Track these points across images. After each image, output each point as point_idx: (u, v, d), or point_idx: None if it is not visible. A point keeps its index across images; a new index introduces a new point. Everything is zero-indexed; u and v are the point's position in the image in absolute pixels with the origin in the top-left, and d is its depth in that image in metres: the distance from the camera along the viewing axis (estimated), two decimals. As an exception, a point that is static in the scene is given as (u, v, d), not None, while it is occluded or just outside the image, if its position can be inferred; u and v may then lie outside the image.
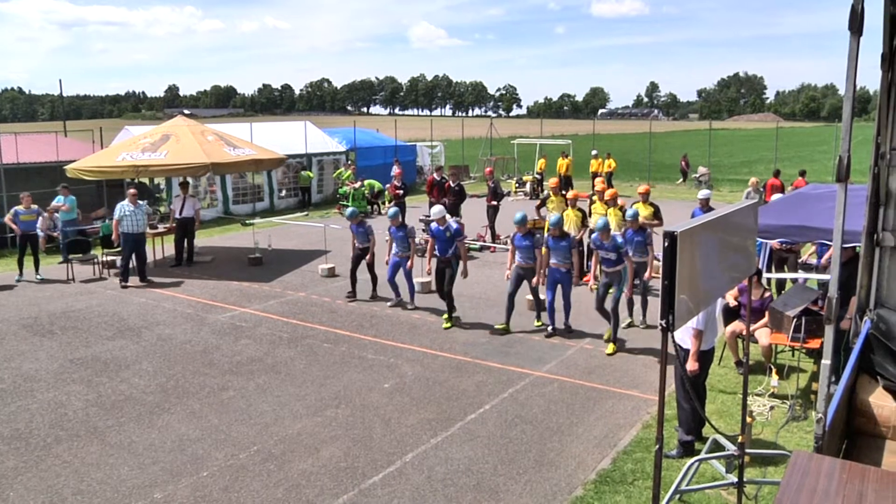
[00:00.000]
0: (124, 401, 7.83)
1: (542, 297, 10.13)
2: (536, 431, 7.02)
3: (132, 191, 13.55)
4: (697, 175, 29.38)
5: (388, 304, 11.52)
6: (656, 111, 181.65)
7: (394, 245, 11.21)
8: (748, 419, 6.33)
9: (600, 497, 5.80)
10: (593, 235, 9.45)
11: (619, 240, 9.34)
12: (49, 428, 7.14)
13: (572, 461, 6.42)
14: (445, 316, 10.50)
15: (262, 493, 5.90)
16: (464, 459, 6.45)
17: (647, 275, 10.14)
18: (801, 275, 10.05)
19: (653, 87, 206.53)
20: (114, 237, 13.35)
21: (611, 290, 9.41)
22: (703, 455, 5.78)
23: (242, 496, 5.84)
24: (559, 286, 9.71)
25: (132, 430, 7.08)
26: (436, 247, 10.50)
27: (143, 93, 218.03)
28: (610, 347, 9.21)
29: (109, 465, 6.38)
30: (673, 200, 23.81)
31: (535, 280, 9.77)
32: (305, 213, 22.25)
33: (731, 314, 8.60)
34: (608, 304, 9.25)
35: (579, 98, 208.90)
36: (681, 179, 30.71)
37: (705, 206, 11.67)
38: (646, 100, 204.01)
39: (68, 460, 6.46)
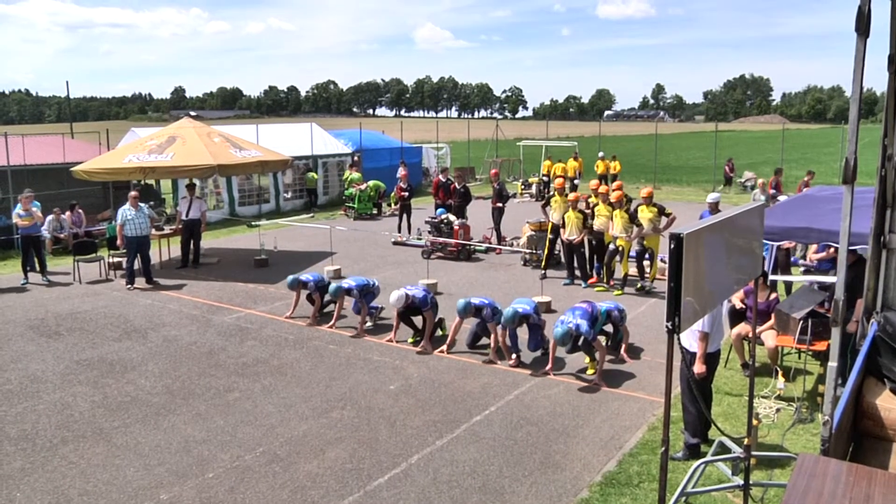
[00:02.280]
0: (130, 402, 7.85)
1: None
2: (542, 433, 7.02)
3: (133, 194, 13.61)
4: (743, 180, 28.80)
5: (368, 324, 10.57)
6: (662, 113, 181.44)
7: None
8: (754, 421, 6.32)
9: (606, 499, 5.79)
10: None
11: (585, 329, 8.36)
12: (55, 429, 7.16)
13: (578, 463, 6.41)
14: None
15: (268, 494, 5.90)
16: (469, 461, 6.45)
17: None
18: (806, 277, 10.05)
19: (658, 89, 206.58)
20: (119, 242, 13.41)
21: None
22: (709, 457, 5.76)
23: (248, 497, 5.85)
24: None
25: (138, 432, 7.10)
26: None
27: (150, 94, 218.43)
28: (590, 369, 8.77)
29: (115, 466, 6.39)
30: (679, 202, 23.78)
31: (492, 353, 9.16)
32: (311, 214, 22.31)
33: (737, 316, 8.60)
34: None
35: (585, 100, 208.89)
36: (723, 185, 29.31)
37: (714, 209, 11.68)
38: (652, 101, 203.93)
39: (74, 461, 6.48)
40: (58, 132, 22.86)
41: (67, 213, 16.70)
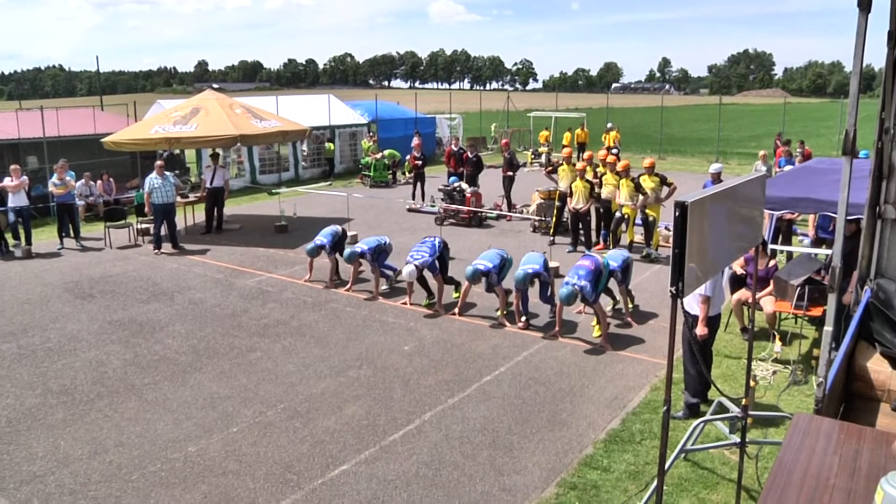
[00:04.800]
0: (159, 360, 8.23)
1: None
2: (549, 393, 7.28)
3: (159, 163, 13.99)
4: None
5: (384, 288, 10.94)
6: (668, 86, 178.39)
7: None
8: (752, 383, 6.52)
9: (609, 455, 6.04)
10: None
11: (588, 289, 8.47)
12: (91, 384, 7.57)
13: (583, 421, 6.67)
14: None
15: (289, 448, 6.22)
16: (479, 419, 6.72)
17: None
18: (804, 248, 10.17)
19: (665, 63, 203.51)
20: (146, 210, 13.84)
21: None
22: (708, 416, 6.00)
23: (270, 450, 6.17)
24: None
25: (167, 388, 7.46)
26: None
27: (174, 68, 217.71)
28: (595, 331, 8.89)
29: (147, 420, 6.76)
30: (683, 172, 23.81)
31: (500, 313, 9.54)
32: (329, 182, 22.58)
33: (737, 283, 8.78)
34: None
35: (593, 72, 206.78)
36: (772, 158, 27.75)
37: (717, 179, 11.85)
38: (658, 75, 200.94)
39: (109, 415, 6.87)
40: (89, 105, 23.32)
41: (98, 181, 17.20)
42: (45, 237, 14.92)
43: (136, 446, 6.26)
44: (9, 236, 13.58)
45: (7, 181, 13.20)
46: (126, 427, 6.61)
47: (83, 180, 16.39)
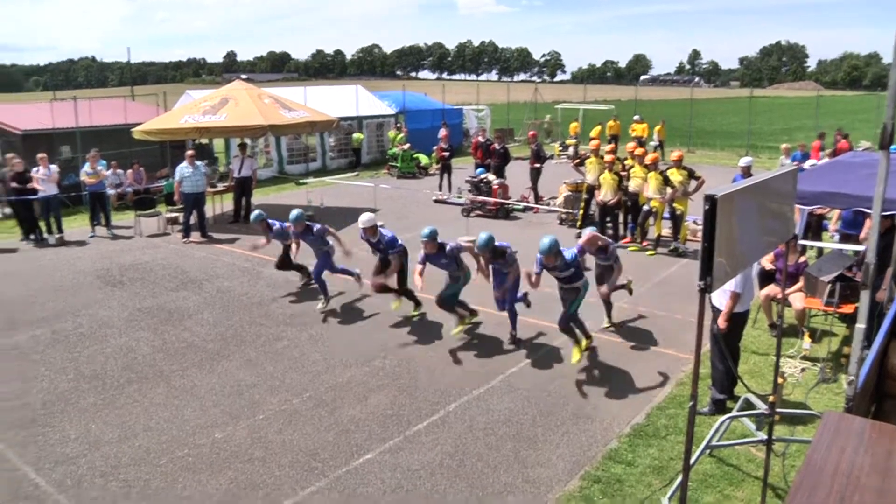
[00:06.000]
0: (187, 348, 8.35)
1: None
2: (574, 386, 7.26)
3: (190, 152, 14.17)
4: (861, 149, 27.26)
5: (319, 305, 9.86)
6: (698, 78, 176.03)
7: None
8: (779, 380, 6.43)
9: (634, 449, 6.02)
10: (538, 256, 7.58)
11: (569, 256, 7.70)
12: (121, 370, 7.71)
13: (608, 415, 6.64)
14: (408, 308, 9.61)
15: (314, 436, 6.28)
16: (504, 410, 6.73)
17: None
18: (835, 244, 9.99)
19: (695, 55, 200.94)
20: (175, 198, 14.03)
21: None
22: (734, 413, 5.94)
23: (296, 438, 6.24)
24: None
25: (194, 375, 7.58)
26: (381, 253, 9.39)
27: (204, 59, 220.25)
28: (575, 354, 7.76)
29: (175, 405, 6.87)
30: (712, 166, 23.49)
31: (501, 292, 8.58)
32: (356, 173, 22.67)
33: (766, 278, 8.67)
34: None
35: (622, 64, 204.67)
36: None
37: (746, 173, 11.70)
38: (688, 67, 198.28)
39: (139, 400, 7.00)
40: (120, 95, 23.62)
41: (129, 171, 17.46)
42: (77, 225, 15.20)
43: (165, 431, 6.37)
44: (42, 225, 13.85)
45: (35, 172, 13.44)
46: (155, 412, 6.73)
47: (111, 169, 16.66)
